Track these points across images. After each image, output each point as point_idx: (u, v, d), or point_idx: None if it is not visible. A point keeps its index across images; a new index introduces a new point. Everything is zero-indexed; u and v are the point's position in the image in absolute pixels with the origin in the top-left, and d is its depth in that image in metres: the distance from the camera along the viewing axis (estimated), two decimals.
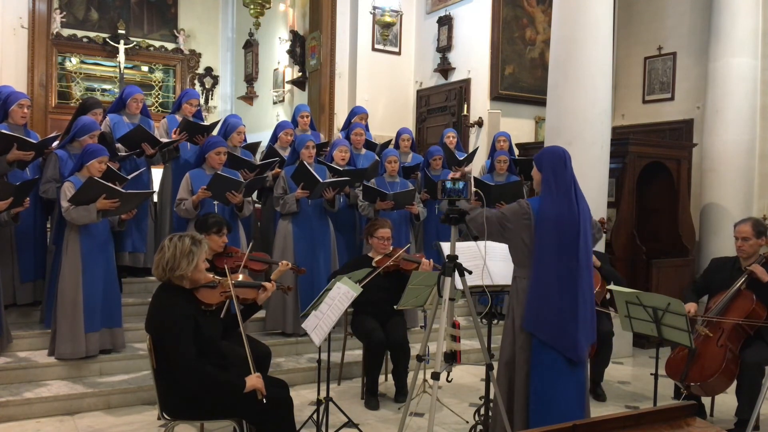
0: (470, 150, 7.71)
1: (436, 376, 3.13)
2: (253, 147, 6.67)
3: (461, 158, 7.13)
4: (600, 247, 5.76)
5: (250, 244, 4.57)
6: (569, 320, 3.15)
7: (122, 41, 11.91)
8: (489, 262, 3.81)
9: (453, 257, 3.22)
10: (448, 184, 3.27)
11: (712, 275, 4.59)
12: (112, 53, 11.93)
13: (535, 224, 3.21)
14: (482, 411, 3.97)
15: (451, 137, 7.27)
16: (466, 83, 8.54)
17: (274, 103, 11.57)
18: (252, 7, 9.47)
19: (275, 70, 11.56)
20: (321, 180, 5.39)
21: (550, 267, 3.16)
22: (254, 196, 5.84)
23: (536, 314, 3.17)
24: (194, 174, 5.19)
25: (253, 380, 3.09)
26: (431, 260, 4.84)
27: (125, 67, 12.06)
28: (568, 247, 3.17)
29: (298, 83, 10.40)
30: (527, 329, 3.20)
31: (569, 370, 3.19)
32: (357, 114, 7.05)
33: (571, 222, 3.19)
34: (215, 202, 5.15)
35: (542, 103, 6.83)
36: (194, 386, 3.04)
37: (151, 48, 12.45)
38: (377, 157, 6.56)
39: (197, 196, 4.98)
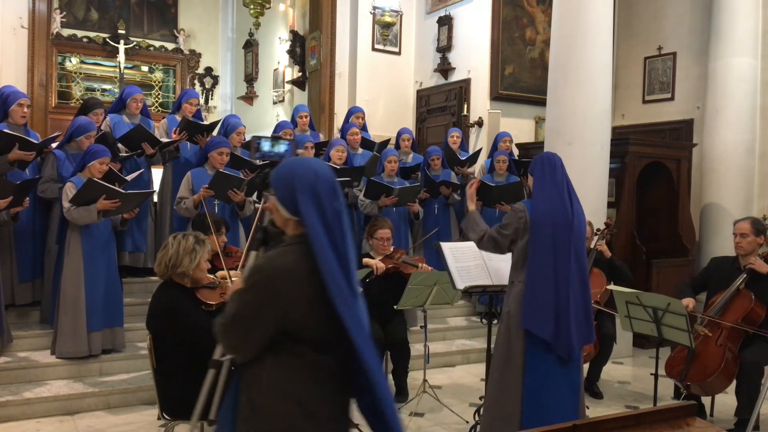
0: (473, 150, 7.70)
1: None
2: None
3: (463, 158, 7.13)
4: None
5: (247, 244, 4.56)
6: (562, 317, 3.18)
7: (122, 41, 11.87)
8: (489, 262, 3.82)
9: (263, 228, 2.33)
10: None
11: (712, 274, 4.60)
12: (112, 53, 11.90)
13: (530, 223, 3.28)
14: (482, 411, 3.97)
15: (455, 137, 7.26)
16: (466, 83, 8.53)
17: (274, 103, 11.56)
18: (252, 7, 9.45)
19: (275, 70, 11.54)
20: None
21: (544, 264, 3.21)
22: (254, 196, 5.84)
23: (531, 311, 3.21)
24: (195, 173, 5.19)
25: None
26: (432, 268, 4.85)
27: (125, 67, 12.04)
28: (560, 245, 3.22)
29: (298, 83, 10.38)
30: (523, 326, 3.23)
31: (562, 369, 3.22)
32: (353, 114, 7.06)
33: (564, 221, 3.25)
34: (216, 202, 5.14)
35: (542, 103, 6.83)
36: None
37: (151, 48, 12.43)
38: (376, 154, 6.55)
39: (199, 195, 4.98)
